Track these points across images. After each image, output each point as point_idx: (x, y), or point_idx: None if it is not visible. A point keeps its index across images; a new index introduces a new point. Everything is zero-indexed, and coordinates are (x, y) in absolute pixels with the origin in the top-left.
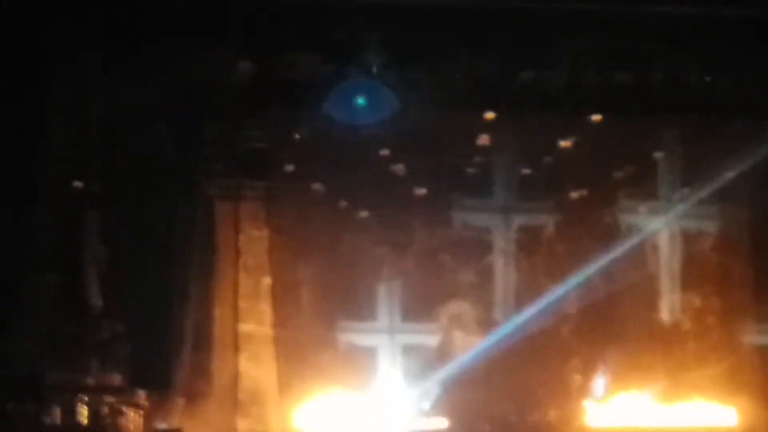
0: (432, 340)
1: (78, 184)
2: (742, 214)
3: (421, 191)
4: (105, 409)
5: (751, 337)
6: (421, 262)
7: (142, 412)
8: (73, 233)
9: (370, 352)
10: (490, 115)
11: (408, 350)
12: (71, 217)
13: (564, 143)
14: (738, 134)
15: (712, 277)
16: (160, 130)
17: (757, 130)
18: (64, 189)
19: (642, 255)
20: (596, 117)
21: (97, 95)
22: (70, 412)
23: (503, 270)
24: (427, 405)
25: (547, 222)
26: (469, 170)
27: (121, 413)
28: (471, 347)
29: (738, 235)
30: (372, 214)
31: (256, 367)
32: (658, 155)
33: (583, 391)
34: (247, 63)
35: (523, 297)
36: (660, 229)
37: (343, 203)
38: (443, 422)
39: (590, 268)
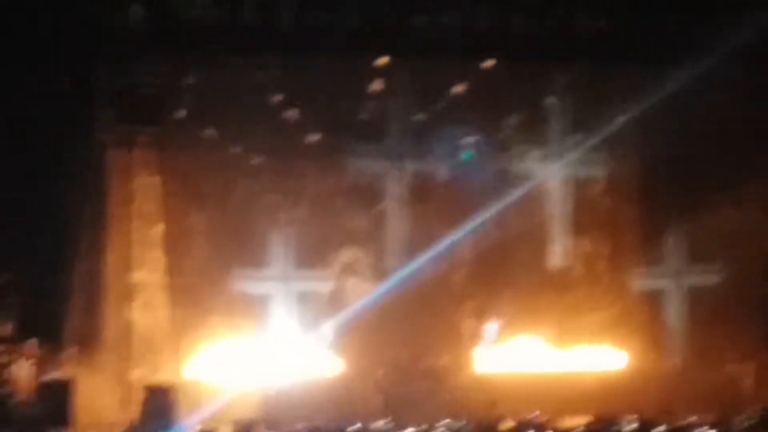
0: (326, 286)
1: None
2: (631, 159)
3: (314, 137)
4: None
5: (640, 281)
6: (314, 209)
7: (34, 361)
8: None
9: (264, 300)
10: (383, 59)
11: (302, 297)
12: None
13: (458, 89)
14: (628, 80)
15: (602, 222)
16: (51, 72)
17: (647, 76)
18: None
19: (533, 201)
20: (489, 62)
21: None
22: None
23: (396, 216)
24: (321, 351)
25: (440, 168)
26: (363, 116)
27: (12, 363)
28: (364, 294)
29: (627, 181)
30: (265, 160)
31: (149, 315)
32: (549, 101)
33: (476, 336)
34: (139, 5)
35: (416, 243)
36: (551, 175)
37: (237, 149)
38: (337, 369)
39: (483, 215)
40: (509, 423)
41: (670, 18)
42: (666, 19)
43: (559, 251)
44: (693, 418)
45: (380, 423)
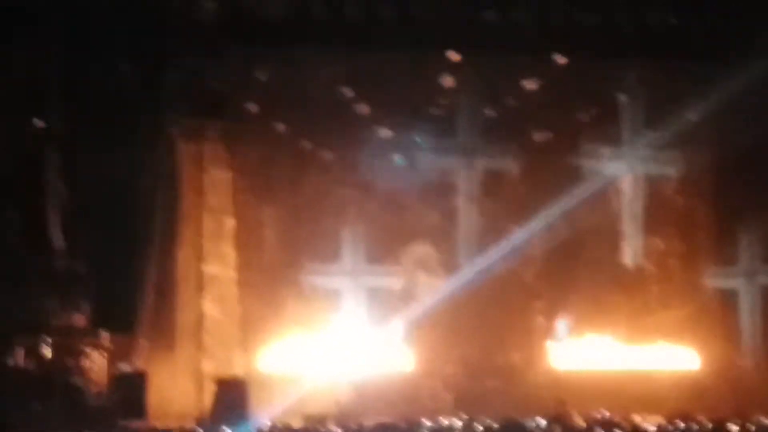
0: (396, 282)
1: (38, 122)
2: (704, 157)
3: (385, 132)
4: (68, 350)
5: (712, 280)
6: (384, 204)
7: (105, 354)
8: (34, 171)
9: (334, 294)
10: (454, 55)
11: (372, 292)
12: (32, 155)
13: (528, 85)
14: (700, 77)
15: (674, 221)
16: (123, 68)
17: (719, 72)
18: (25, 126)
19: (605, 199)
20: (561, 59)
21: (58, 30)
22: (34, 353)
23: (467, 212)
24: (391, 347)
25: (511, 164)
26: (433, 111)
27: (84, 354)
28: (435, 290)
29: (700, 179)
30: (335, 155)
31: (220, 308)
32: (621, 98)
33: (547, 333)
34: (211, 0)
35: (486, 239)
36: (623, 172)
37: (307, 144)
38: (407, 365)
39: (554, 212)
40: (579, 421)
41: (742, 13)
42: (738, 14)
43: (631, 249)
44: (766, 420)
45: (450, 420)
